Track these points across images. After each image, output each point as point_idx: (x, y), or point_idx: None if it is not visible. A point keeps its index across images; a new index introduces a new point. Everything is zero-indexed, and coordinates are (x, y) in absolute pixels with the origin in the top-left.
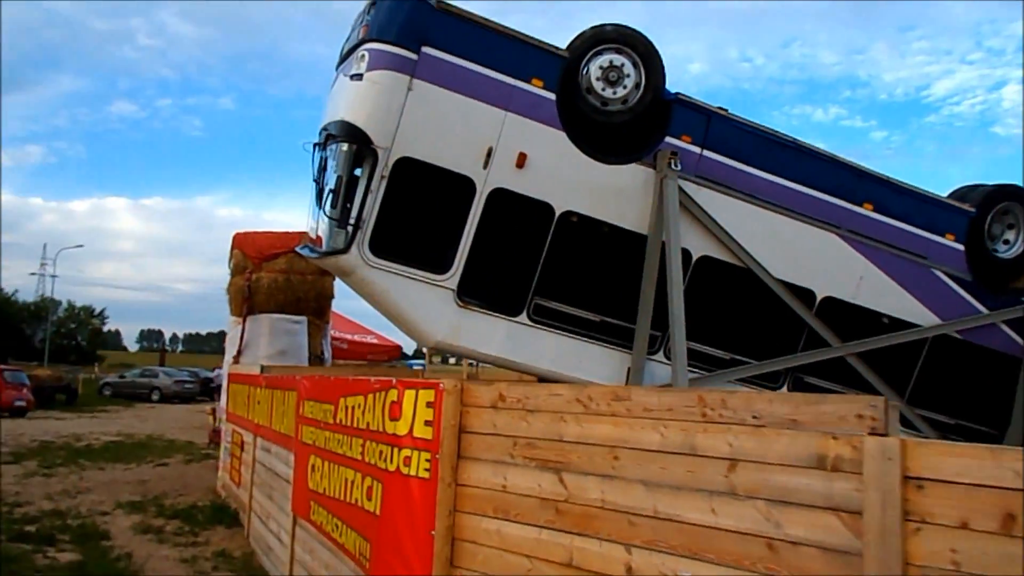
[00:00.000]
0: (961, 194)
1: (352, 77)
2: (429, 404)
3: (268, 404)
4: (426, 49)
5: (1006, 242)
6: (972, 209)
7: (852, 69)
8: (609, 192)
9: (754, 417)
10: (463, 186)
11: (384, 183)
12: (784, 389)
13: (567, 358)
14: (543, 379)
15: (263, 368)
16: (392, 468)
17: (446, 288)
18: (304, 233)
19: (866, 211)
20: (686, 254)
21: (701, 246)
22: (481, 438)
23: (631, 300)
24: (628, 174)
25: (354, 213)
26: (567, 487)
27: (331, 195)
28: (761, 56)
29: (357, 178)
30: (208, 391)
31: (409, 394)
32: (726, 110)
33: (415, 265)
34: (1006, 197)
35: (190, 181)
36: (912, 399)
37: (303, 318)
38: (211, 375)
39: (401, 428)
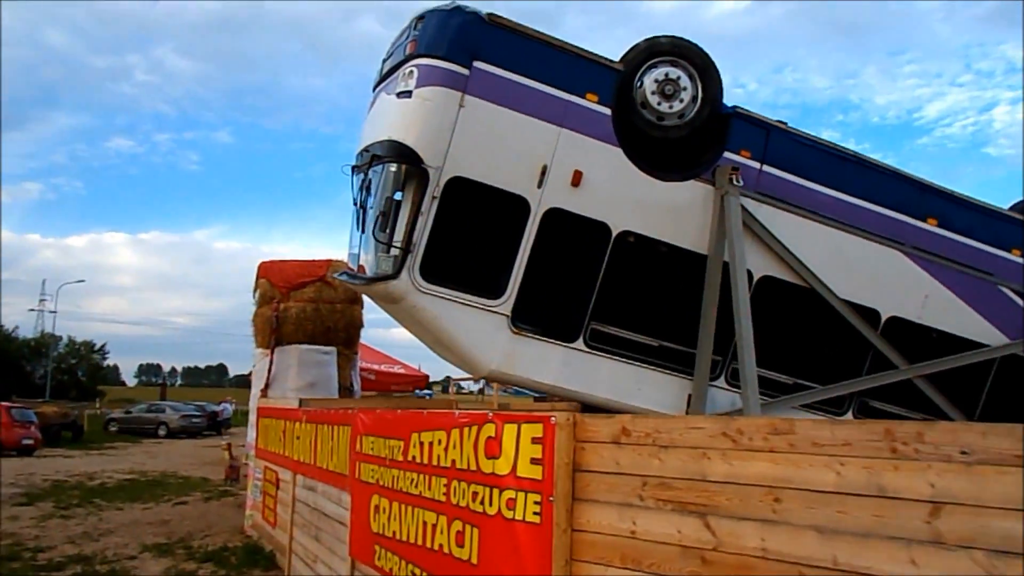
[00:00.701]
0: (1022, 207)
1: (399, 95)
2: (536, 440)
3: (311, 439)
4: (477, 64)
5: None
6: None
7: (844, 93)
8: (667, 210)
9: (963, 453)
10: (517, 206)
11: (435, 204)
12: (849, 415)
13: (625, 385)
14: (597, 408)
15: (302, 401)
16: (492, 511)
17: (500, 314)
18: (333, 260)
19: (930, 226)
20: (747, 274)
21: (763, 265)
22: (601, 478)
23: (691, 323)
24: (686, 191)
25: (403, 236)
26: (715, 533)
27: (379, 218)
28: (754, 82)
29: (401, 200)
30: (216, 425)
31: (510, 429)
32: (785, 123)
33: (468, 290)
34: None
35: (187, 215)
36: (983, 419)
37: (333, 349)
38: (218, 409)
39: (501, 467)
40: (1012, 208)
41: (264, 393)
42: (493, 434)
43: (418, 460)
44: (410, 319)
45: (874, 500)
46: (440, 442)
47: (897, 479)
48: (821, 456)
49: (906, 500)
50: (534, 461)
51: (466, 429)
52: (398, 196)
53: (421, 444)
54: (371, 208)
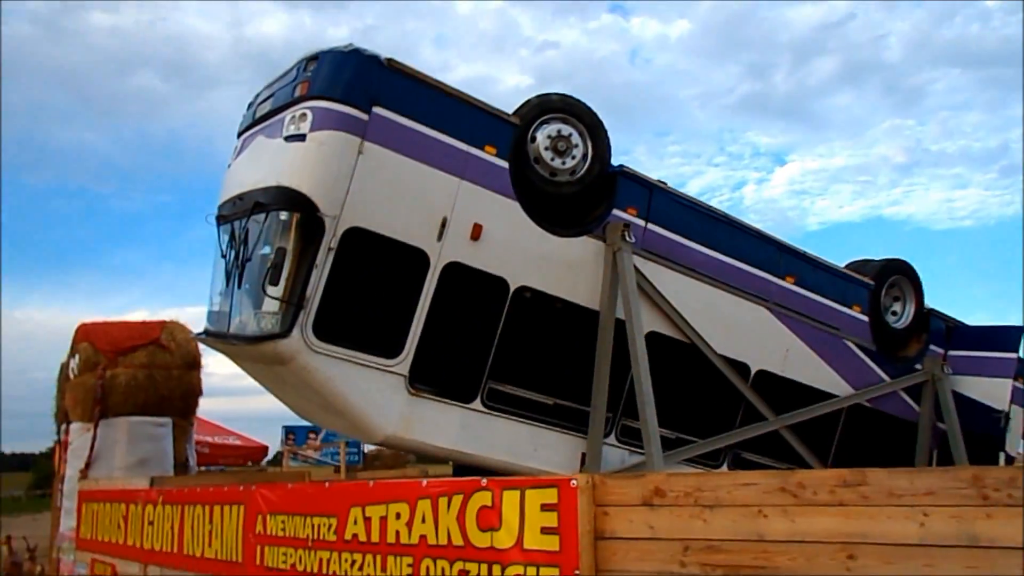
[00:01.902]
0: (854, 268)
1: (288, 139)
2: (548, 507)
3: (172, 524)
4: (376, 109)
5: (894, 313)
6: (871, 282)
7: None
8: (561, 266)
9: None
10: (416, 260)
11: (331, 256)
12: (724, 467)
13: (522, 446)
14: (493, 472)
15: (154, 480)
16: None
17: (397, 374)
18: (167, 321)
19: (788, 284)
20: None
21: (648, 321)
22: (631, 545)
23: (584, 380)
24: (578, 247)
25: (293, 292)
26: None
27: (268, 272)
28: None
29: (291, 252)
30: None
31: (511, 496)
32: (665, 183)
33: (363, 349)
34: (895, 271)
35: None
36: (836, 464)
37: (168, 420)
38: None
39: (503, 539)
40: (848, 267)
41: (84, 474)
42: (489, 503)
43: (363, 539)
44: (296, 382)
45: (965, 551)
46: (399, 516)
47: (991, 527)
48: (900, 507)
49: (1003, 548)
50: (546, 531)
51: (441, 499)
52: (287, 248)
53: (367, 520)
54: (249, 261)
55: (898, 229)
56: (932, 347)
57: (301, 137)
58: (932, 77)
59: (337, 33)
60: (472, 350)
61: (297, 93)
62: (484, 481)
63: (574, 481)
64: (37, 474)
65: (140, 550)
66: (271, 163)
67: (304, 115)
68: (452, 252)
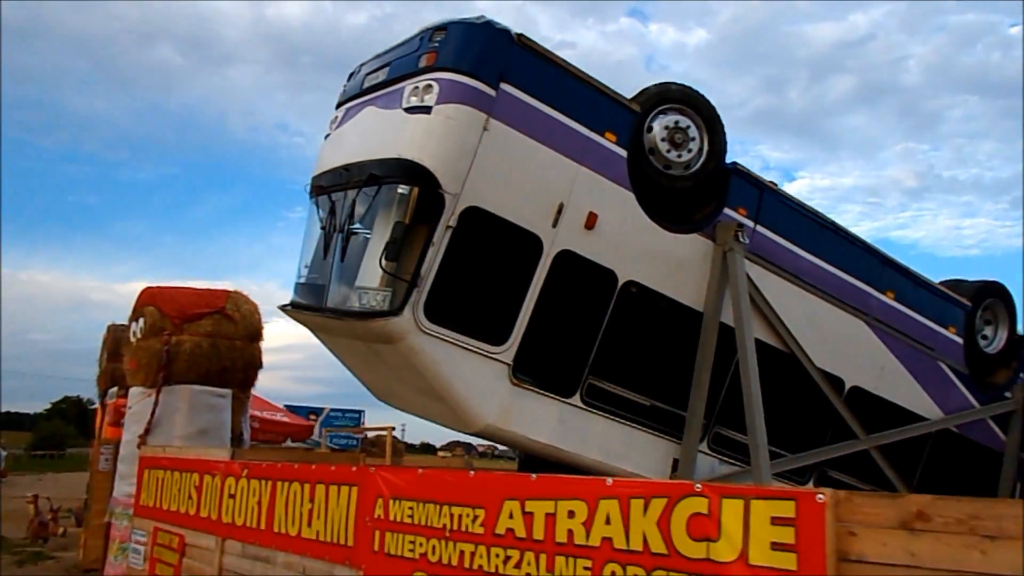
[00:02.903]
0: (950, 285)
1: (410, 110)
2: (780, 521)
3: (259, 500)
4: (504, 86)
5: (985, 337)
6: (968, 303)
7: None
8: (669, 262)
9: None
10: (530, 245)
11: (448, 235)
12: (811, 484)
13: (615, 447)
14: (580, 471)
15: (235, 453)
16: None
17: (501, 362)
18: (231, 291)
19: (888, 299)
20: (734, 334)
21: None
22: (885, 571)
23: (683, 383)
24: (686, 244)
25: (407, 268)
26: None
27: (385, 247)
28: None
29: (410, 228)
30: None
31: (732, 506)
32: (775, 184)
33: (472, 334)
34: (992, 294)
35: None
36: (919, 490)
37: (228, 391)
38: None
39: (722, 551)
40: (942, 285)
41: (143, 440)
42: (706, 511)
43: (521, 535)
44: (398, 363)
45: None
46: (573, 515)
47: None
48: None
49: None
50: (779, 547)
51: (634, 501)
52: (404, 223)
53: (528, 515)
54: (354, 235)
55: (904, 253)
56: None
57: (426, 109)
58: (949, 103)
59: (356, 19)
60: (576, 343)
61: (422, 64)
62: (698, 487)
63: (820, 496)
64: (37, 434)
65: (217, 523)
66: (389, 134)
67: (429, 86)
68: (565, 240)
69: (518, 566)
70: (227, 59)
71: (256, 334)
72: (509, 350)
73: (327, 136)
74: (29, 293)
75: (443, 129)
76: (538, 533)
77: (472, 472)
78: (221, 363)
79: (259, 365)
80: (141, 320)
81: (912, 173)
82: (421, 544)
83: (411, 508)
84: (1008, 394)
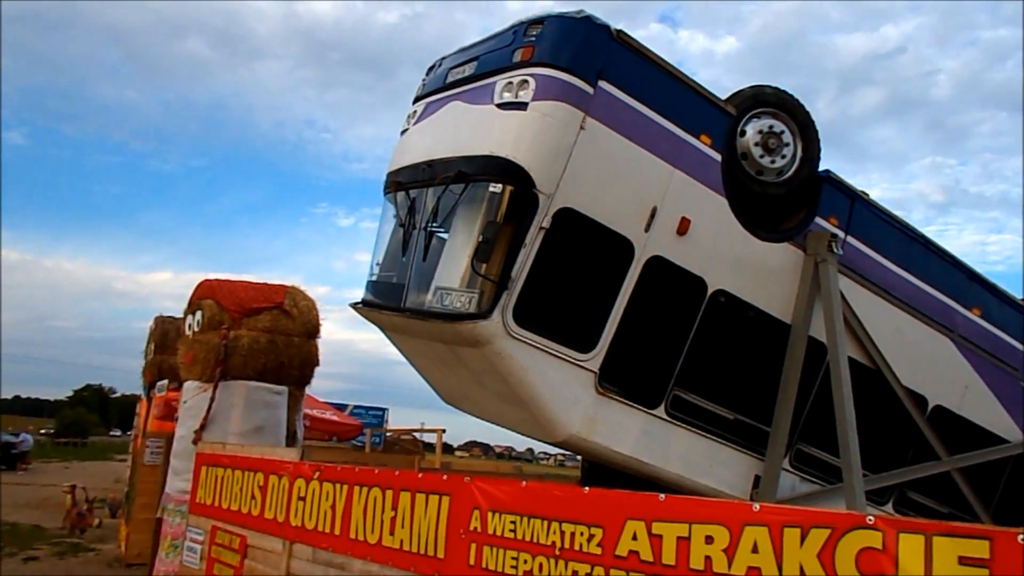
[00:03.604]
0: None
1: (503, 106)
2: (971, 561)
3: (333, 504)
4: (602, 83)
5: None
6: None
7: None
8: (759, 272)
9: None
10: (622, 249)
11: (541, 236)
12: (890, 506)
13: (698, 461)
14: (660, 486)
15: (304, 453)
16: None
17: (588, 370)
18: (290, 286)
19: (974, 316)
20: (820, 348)
21: None
22: None
23: (766, 397)
24: (776, 253)
25: (497, 270)
26: None
27: (477, 247)
28: None
29: (502, 228)
30: (9, 459)
31: (911, 541)
32: (867, 194)
33: (560, 340)
34: None
35: None
36: (995, 516)
37: (284, 388)
38: (15, 439)
39: None
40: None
41: (199, 435)
42: (879, 546)
43: (646, 558)
44: (482, 367)
45: None
46: (711, 540)
47: None
48: None
49: None
50: None
51: (788, 530)
52: (497, 223)
53: (656, 537)
54: (437, 233)
55: None
56: None
57: (521, 105)
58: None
59: (387, 18)
60: (663, 352)
61: (517, 58)
62: (870, 519)
63: (1022, 536)
64: (60, 422)
65: (285, 525)
66: (479, 130)
67: (525, 82)
68: (657, 245)
69: None
70: (256, 53)
71: (314, 331)
72: (596, 358)
73: (404, 131)
74: (54, 280)
75: (539, 127)
76: (668, 557)
77: (587, 489)
78: (278, 359)
79: (316, 362)
80: (199, 313)
81: (939, 187)
82: (526, 561)
83: (513, 522)
84: None
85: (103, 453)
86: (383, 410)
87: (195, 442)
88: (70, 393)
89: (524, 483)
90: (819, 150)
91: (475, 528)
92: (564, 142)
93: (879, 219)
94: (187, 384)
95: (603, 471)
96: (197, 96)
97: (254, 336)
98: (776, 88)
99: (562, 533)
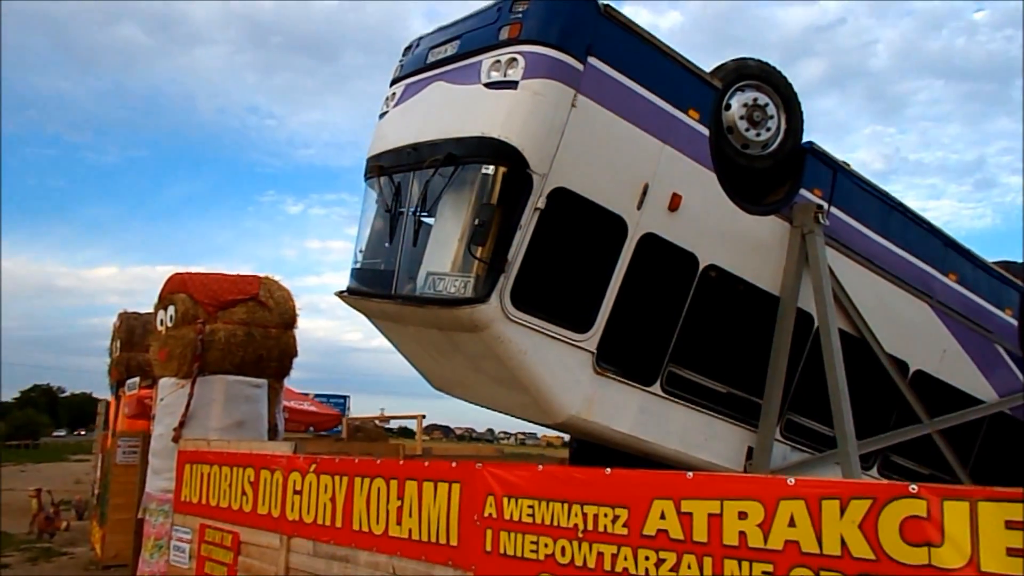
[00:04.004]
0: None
1: (492, 85)
2: (1017, 525)
3: (332, 496)
4: (591, 59)
5: None
6: (1022, 284)
7: None
8: (747, 245)
9: None
10: (615, 228)
11: (536, 217)
12: (875, 470)
13: (694, 436)
14: (659, 463)
15: (298, 445)
16: None
17: (585, 350)
18: (263, 277)
19: (951, 281)
20: (808, 319)
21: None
22: None
23: (757, 369)
24: (763, 227)
25: (493, 253)
26: None
27: (473, 230)
28: None
29: (496, 210)
30: None
31: (955, 508)
32: (848, 164)
33: (557, 321)
34: None
35: None
36: (973, 475)
37: (264, 381)
38: None
39: (948, 557)
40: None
41: (179, 433)
42: (923, 513)
43: (676, 536)
44: (478, 352)
45: None
46: (745, 516)
47: None
48: None
49: None
50: (1014, 552)
51: (827, 503)
52: (491, 205)
53: (685, 516)
54: (426, 217)
55: None
56: None
57: (511, 84)
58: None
59: (327, 2)
60: (657, 329)
61: (503, 36)
62: (913, 488)
63: None
64: (10, 424)
65: (281, 520)
66: (467, 111)
67: (514, 60)
68: (650, 222)
69: (675, 569)
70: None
71: (291, 321)
72: (593, 338)
73: (383, 114)
74: None
75: (531, 105)
76: (699, 535)
77: (608, 471)
78: (256, 352)
79: (294, 353)
80: (171, 308)
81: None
82: (547, 545)
83: (531, 506)
84: None
85: (58, 454)
86: (344, 398)
87: (175, 440)
88: (17, 394)
89: (540, 467)
90: (802, 122)
91: (490, 514)
92: (556, 121)
93: (860, 188)
94: (162, 381)
95: (592, 450)
96: (134, 85)
97: (231, 329)
98: (759, 60)
99: (584, 515)
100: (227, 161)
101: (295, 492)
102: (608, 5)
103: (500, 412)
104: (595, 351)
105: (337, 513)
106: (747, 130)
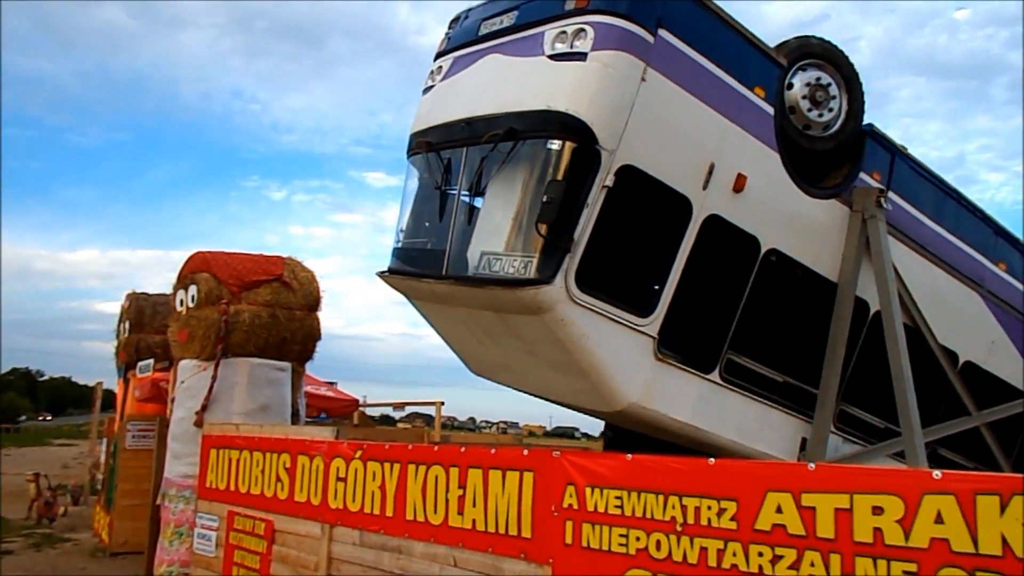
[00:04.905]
0: None
1: (557, 57)
2: None
3: (381, 484)
4: (661, 32)
5: None
6: None
7: None
8: (807, 229)
9: None
10: (681, 208)
11: (603, 195)
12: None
13: (750, 425)
14: (709, 452)
15: (339, 431)
16: None
17: (647, 335)
18: (287, 258)
19: (1001, 271)
20: (864, 306)
21: (872, 299)
22: None
23: (813, 358)
24: (823, 210)
25: (559, 232)
26: None
27: (542, 208)
28: None
29: (562, 186)
30: None
31: None
32: (906, 148)
33: (620, 305)
34: None
35: None
36: (1015, 467)
37: (288, 365)
38: None
39: None
40: None
41: (201, 417)
42: None
43: (796, 531)
44: (538, 335)
45: None
46: (880, 511)
47: None
48: None
49: None
50: None
51: (982, 498)
52: (556, 182)
53: (807, 510)
54: (486, 194)
55: None
56: None
57: (579, 56)
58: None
59: None
60: (718, 315)
61: (570, 6)
62: None
63: None
64: None
65: (322, 508)
66: (530, 84)
67: (582, 31)
68: (714, 203)
69: (795, 566)
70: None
71: (315, 303)
72: (655, 322)
73: (428, 88)
74: None
75: (600, 78)
76: (825, 530)
77: (712, 460)
78: (280, 334)
79: (318, 336)
80: (193, 288)
81: None
82: (639, 538)
83: (619, 497)
84: None
85: (39, 439)
86: (332, 383)
87: (198, 424)
88: None
89: (630, 457)
90: (864, 103)
91: (570, 505)
92: (626, 95)
93: (917, 174)
94: (183, 363)
95: (629, 439)
96: (117, 67)
97: (255, 310)
98: (822, 39)
99: (684, 508)
100: (210, 145)
101: (339, 479)
102: None
103: (550, 399)
104: (656, 336)
105: (388, 501)
106: (809, 110)
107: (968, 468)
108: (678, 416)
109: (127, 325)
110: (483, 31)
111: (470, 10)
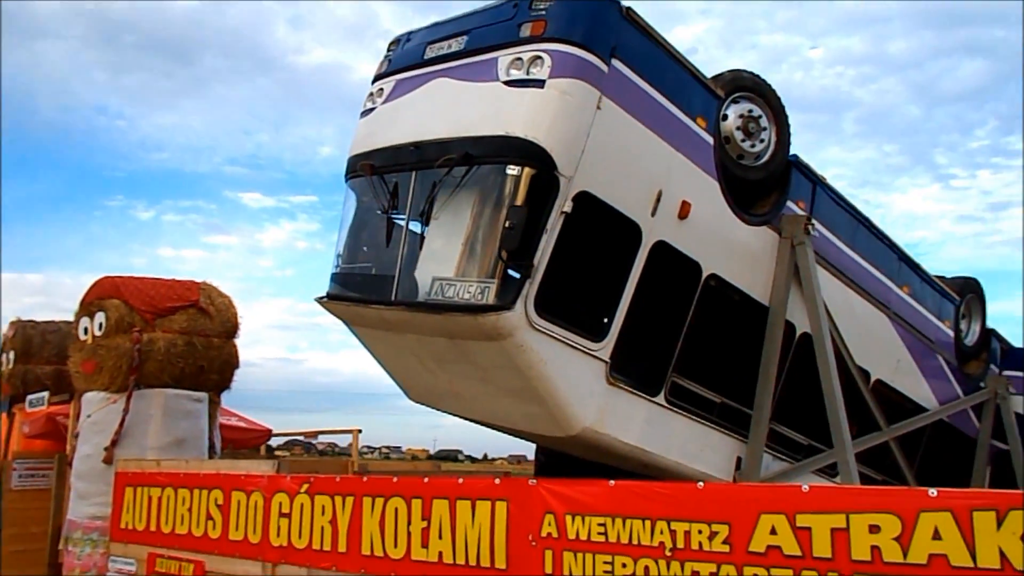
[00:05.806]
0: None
1: (514, 83)
2: None
3: (331, 519)
4: (615, 62)
5: (961, 330)
6: (957, 298)
7: None
8: (744, 255)
9: None
10: (631, 234)
11: (562, 221)
12: (839, 479)
13: (691, 447)
14: (653, 474)
15: (281, 464)
16: None
17: (600, 359)
18: (202, 283)
19: (904, 294)
20: (792, 328)
21: (804, 322)
22: None
23: (747, 379)
24: (756, 237)
25: (519, 258)
26: None
27: (505, 234)
28: None
29: (524, 212)
30: None
31: None
32: (825, 178)
33: (575, 330)
34: (970, 290)
35: None
36: (918, 479)
37: (204, 395)
38: None
39: None
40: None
41: (111, 453)
42: None
43: (791, 552)
44: (494, 363)
45: None
46: (877, 529)
47: None
48: None
49: None
50: None
51: (979, 515)
52: (518, 208)
53: (801, 530)
54: (437, 220)
55: None
56: (991, 367)
57: (537, 83)
58: None
59: (186, 2)
60: (663, 338)
61: (525, 33)
62: None
63: None
64: None
65: (263, 546)
66: (485, 109)
67: (539, 58)
68: (662, 230)
69: None
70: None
71: (233, 330)
72: (607, 347)
73: (368, 111)
74: None
75: (558, 105)
76: (821, 550)
77: (700, 484)
78: (197, 363)
79: (236, 364)
80: (100, 315)
81: None
82: (625, 565)
83: (602, 524)
84: (982, 384)
85: None
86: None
87: (107, 460)
88: None
89: (612, 483)
90: (790, 135)
91: (549, 534)
92: (583, 122)
93: (835, 202)
94: (88, 396)
95: (557, 465)
96: None
97: (170, 338)
98: (752, 73)
99: (672, 532)
100: (72, 163)
101: (281, 515)
102: (629, 8)
103: (496, 426)
104: (608, 360)
105: (340, 537)
106: (743, 140)
107: (877, 480)
108: (627, 439)
109: (11, 355)
110: (429, 55)
111: (412, 32)
